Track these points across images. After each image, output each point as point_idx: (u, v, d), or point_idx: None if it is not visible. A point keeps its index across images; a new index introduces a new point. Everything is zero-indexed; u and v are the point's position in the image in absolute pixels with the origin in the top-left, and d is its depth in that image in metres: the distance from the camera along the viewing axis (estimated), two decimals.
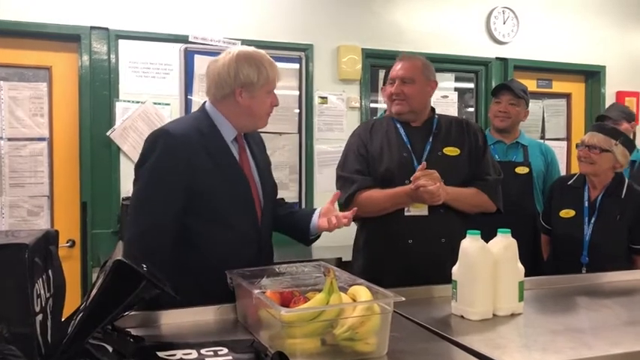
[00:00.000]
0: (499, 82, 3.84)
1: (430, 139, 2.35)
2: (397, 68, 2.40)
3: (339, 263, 3.02)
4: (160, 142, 1.82)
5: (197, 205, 1.84)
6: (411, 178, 2.13)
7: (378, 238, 2.32)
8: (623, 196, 2.61)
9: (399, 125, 2.39)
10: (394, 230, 2.26)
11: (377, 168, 2.31)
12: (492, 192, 2.34)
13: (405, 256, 2.24)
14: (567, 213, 2.68)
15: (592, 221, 2.61)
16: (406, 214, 2.25)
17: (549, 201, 2.83)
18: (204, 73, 2.02)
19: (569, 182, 2.77)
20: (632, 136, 3.29)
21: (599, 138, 2.63)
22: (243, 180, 1.92)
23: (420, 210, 2.24)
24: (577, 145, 2.75)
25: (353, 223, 2.41)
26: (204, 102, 2.00)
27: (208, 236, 1.85)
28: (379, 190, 2.26)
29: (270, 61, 1.94)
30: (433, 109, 2.47)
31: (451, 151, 2.34)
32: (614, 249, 2.59)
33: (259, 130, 2.07)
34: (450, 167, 2.28)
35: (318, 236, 2.07)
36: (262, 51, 1.97)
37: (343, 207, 2.30)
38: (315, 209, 2.05)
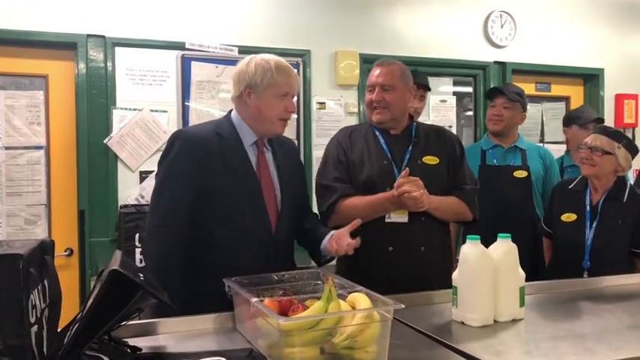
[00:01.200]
0: (497, 86, 3.83)
1: (410, 148, 2.33)
2: (376, 74, 2.38)
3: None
4: (177, 142, 1.93)
5: (209, 206, 1.92)
6: (395, 185, 2.12)
7: (358, 246, 2.30)
8: (625, 200, 2.59)
9: (377, 133, 2.37)
10: (375, 237, 2.23)
11: (358, 176, 2.30)
12: (471, 201, 2.33)
13: (386, 263, 2.23)
14: (569, 217, 2.66)
15: (593, 225, 2.59)
16: (387, 220, 2.24)
17: (550, 205, 2.81)
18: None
19: (571, 186, 2.75)
20: None
21: (602, 140, 2.62)
22: (255, 184, 1.97)
23: (400, 216, 2.23)
24: (579, 147, 2.73)
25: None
26: (231, 109, 2.09)
27: (219, 237, 1.93)
28: (360, 198, 2.25)
29: (281, 66, 2.00)
30: (411, 117, 2.46)
31: (430, 159, 2.32)
32: (616, 253, 2.56)
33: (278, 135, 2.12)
34: (430, 176, 2.26)
35: (332, 258, 2.11)
36: (280, 58, 2.04)
37: (324, 215, 2.29)
38: (331, 231, 2.06)
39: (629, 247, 2.59)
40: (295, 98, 3.66)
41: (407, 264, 2.21)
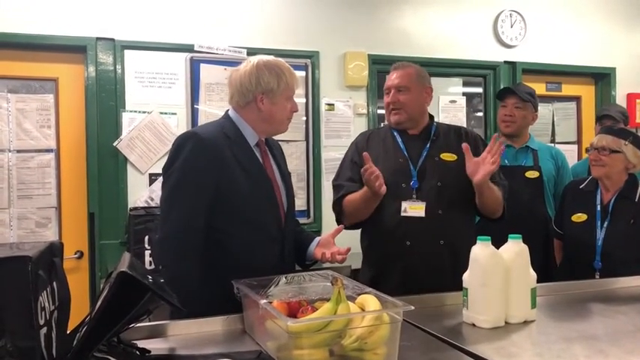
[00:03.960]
0: (508, 86, 3.81)
1: (427, 145, 2.35)
2: (392, 78, 2.40)
3: (351, 271, 3.00)
4: (188, 144, 1.89)
5: (225, 206, 1.90)
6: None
7: (377, 242, 2.32)
8: (636, 200, 2.57)
9: (396, 133, 2.40)
10: (392, 232, 2.25)
11: None
12: (505, 196, 2.34)
13: (404, 257, 2.23)
14: (579, 217, 2.63)
15: (604, 225, 2.56)
16: (402, 214, 2.24)
17: (561, 205, 2.79)
18: (226, 82, 2.10)
19: (582, 186, 2.72)
20: None
21: (607, 139, 2.60)
22: (267, 182, 1.99)
23: (417, 211, 2.23)
24: (587, 150, 2.71)
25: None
26: (227, 110, 2.08)
27: (236, 236, 1.91)
28: (356, 192, 2.26)
29: (288, 68, 2.03)
30: (432, 117, 2.48)
31: (448, 156, 2.33)
32: (628, 254, 2.52)
33: (279, 135, 2.13)
34: (448, 171, 2.28)
35: (315, 262, 2.11)
36: (281, 59, 2.06)
37: (335, 213, 2.36)
38: (317, 237, 2.10)
39: None
40: (304, 99, 3.74)
41: (426, 258, 2.21)
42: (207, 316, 1.66)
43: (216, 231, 1.90)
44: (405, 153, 2.33)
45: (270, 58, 2.04)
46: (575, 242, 2.64)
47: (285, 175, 2.12)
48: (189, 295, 1.76)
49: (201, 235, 1.87)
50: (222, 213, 1.90)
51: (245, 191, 1.92)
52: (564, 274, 2.57)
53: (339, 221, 2.33)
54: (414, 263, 2.21)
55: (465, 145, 2.16)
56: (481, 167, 2.12)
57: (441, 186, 2.24)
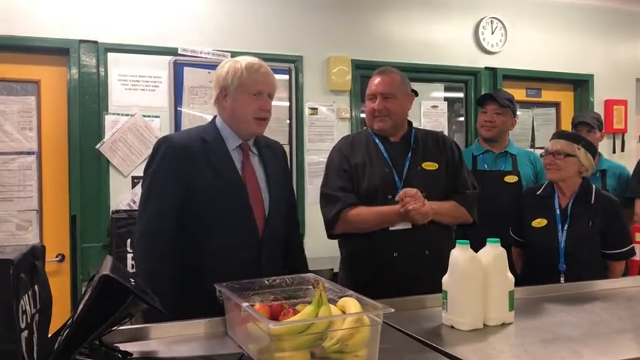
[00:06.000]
0: (488, 92, 3.85)
1: (409, 154, 2.37)
2: (376, 83, 2.40)
3: (332, 275, 3.01)
4: (161, 149, 1.97)
5: (195, 210, 1.94)
6: (397, 198, 2.16)
7: (363, 252, 2.33)
8: (592, 202, 2.63)
9: (377, 140, 2.41)
10: (379, 244, 2.27)
11: (360, 184, 2.33)
12: (470, 205, 2.37)
13: (391, 269, 2.25)
14: (539, 222, 2.67)
15: (565, 228, 2.61)
16: (390, 228, 2.26)
17: (520, 213, 2.80)
18: (210, 85, 2.18)
19: (539, 192, 2.77)
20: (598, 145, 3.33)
21: (562, 144, 2.67)
22: (240, 186, 2.00)
23: (404, 224, 2.26)
24: (541, 155, 2.78)
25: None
26: (215, 115, 2.13)
27: (206, 239, 1.95)
28: (367, 208, 2.27)
29: (252, 65, 2.03)
30: (410, 123, 2.49)
31: (429, 165, 2.36)
32: (590, 255, 2.59)
33: (258, 135, 2.13)
34: (430, 181, 2.31)
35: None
36: (254, 58, 2.07)
37: (329, 224, 2.32)
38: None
39: (601, 248, 2.62)
40: (287, 103, 3.75)
41: (412, 269, 2.23)
42: (181, 316, 1.66)
43: (187, 233, 1.94)
44: (389, 162, 2.35)
45: (242, 57, 2.07)
46: (539, 247, 2.67)
47: (274, 180, 2.10)
48: (163, 294, 1.77)
49: (169, 237, 1.91)
50: (194, 215, 1.95)
51: (214, 195, 1.95)
52: (529, 278, 2.57)
53: (329, 229, 2.33)
54: (401, 274, 2.23)
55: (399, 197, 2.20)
56: None
57: (425, 197, 2.23)
